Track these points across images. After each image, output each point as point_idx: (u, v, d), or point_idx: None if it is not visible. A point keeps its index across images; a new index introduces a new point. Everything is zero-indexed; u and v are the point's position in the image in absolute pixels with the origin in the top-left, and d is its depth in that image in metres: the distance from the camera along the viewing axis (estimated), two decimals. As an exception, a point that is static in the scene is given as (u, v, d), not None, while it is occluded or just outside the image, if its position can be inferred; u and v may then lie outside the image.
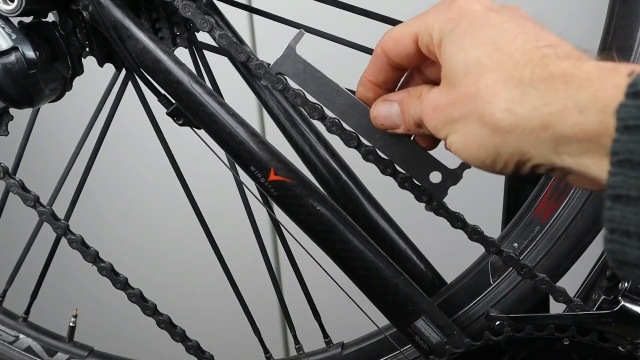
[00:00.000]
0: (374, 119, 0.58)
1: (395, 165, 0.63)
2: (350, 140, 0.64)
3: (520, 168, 0.47)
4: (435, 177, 0.62)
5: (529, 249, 0.75)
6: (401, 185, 0.65)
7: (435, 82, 0.54)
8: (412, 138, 0.61)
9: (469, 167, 0.59)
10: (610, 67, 0.41)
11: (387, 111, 0.57)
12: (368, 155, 0.64)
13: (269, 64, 0.63)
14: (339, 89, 0.61)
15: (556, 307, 0.75)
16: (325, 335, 0.84)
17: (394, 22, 0.72)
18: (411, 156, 0.61)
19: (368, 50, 0.72)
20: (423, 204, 0.66)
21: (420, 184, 0.64)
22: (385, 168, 0.64)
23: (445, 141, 0.50)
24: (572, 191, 0.72)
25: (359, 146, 0.64)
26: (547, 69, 0.43)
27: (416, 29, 0.52)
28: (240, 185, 0.79)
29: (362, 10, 0.73)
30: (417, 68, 0.57)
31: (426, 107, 0.51)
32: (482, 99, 0.45)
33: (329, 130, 0.65)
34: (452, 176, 0.62)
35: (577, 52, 0.45)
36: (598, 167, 0.41)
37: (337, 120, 0.64)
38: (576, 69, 0.42)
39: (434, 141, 0.58)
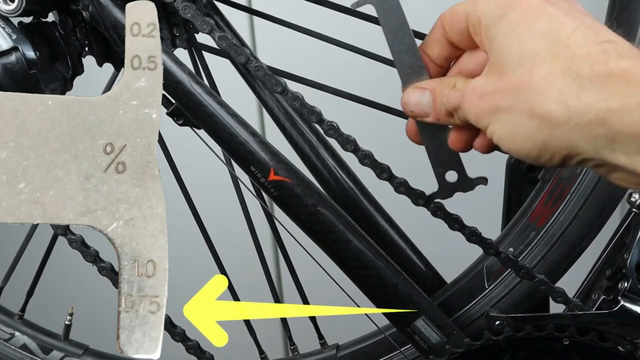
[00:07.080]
0: (404, 105, 0.56)
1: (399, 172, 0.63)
2: (347, 144, 0.64)
3: (568, 161, 0.46)
4: (451, 176, 0.61)
5: (524, 254, 0.75)
6: (397, 189, 0.65)
7: (471, 75, 0.52)
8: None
9: (486, 183, 0.58)
10: None
11: (418, 99, 0.55)
12: (364, 159, 0.65)
13: (268, 66, 0.63)
14: (413, 47, 0.56)
15: (556, 308, 0.75)
16: (320, 336, 0.84)
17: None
18: (442, 146, 0.58)
19: (366, 53, 0.73)
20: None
21: (435, 175, 0.61)
22: (381, 172, 0.65)
23: (486, 131, 0.49)
24: (567, 197, 0.73)
25: (355, 150, 0.64)
26: (606, 65, 0.42)
27: (468, 7, 0.50)
28: (236, 181, 0.79)
29: (361, 14, 0.73)
30: (456, 57, 0.55)
31: (470, 95, 0.49)
32: (536, 89, 0.44)
33: (326, 134, 0.65)
34: (466, 183, 0.61)
35: (637, 51, 0.44)
36: None
37: (334, 124, 0.64)
38: (637, 68, 0.42)
39: (467, 142, 0.56)
